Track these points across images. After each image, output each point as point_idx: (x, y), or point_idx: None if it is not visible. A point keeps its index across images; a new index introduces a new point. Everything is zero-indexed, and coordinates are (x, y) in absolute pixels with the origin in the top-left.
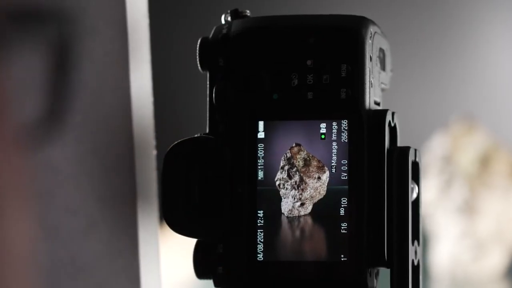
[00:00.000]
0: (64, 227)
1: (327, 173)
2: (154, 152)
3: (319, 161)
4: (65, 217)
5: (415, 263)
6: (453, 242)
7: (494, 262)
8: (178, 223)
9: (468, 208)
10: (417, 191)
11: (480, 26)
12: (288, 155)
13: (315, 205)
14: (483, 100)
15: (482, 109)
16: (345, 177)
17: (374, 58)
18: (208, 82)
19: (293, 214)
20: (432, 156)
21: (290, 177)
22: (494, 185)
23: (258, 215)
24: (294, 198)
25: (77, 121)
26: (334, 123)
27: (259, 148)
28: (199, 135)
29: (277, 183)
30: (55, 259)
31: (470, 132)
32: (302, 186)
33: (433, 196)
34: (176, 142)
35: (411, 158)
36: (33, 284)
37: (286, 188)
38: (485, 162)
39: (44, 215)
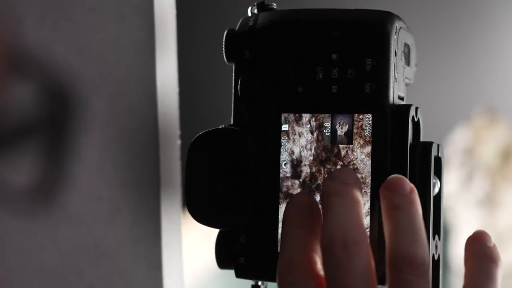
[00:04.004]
0: (87, 213)
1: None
2: (178, 141)
3: None
4: (89, 203)
5: (435, 258)
6: None
7: None
8: (201, 213)
9: (489, 201)
10: (439, 186)
11: (503, 19)
12: None
13: None
14: (505, 93)
15: (504, 103)
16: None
17: (399, 53)
18: (233, 74)
19: None
20: (453, 149)
21: None
22: None
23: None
24: None
25: (103, 109)
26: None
27: (283, 140)
28: (223, 126)
29: None
30: (78, 244)
31: (492, 125)
32: None
33: (454, 189)
34: (200, 133)
35: (433, 153)
36: (55, 269)
37: None
38: (506, 155)
39: (68, 200)
